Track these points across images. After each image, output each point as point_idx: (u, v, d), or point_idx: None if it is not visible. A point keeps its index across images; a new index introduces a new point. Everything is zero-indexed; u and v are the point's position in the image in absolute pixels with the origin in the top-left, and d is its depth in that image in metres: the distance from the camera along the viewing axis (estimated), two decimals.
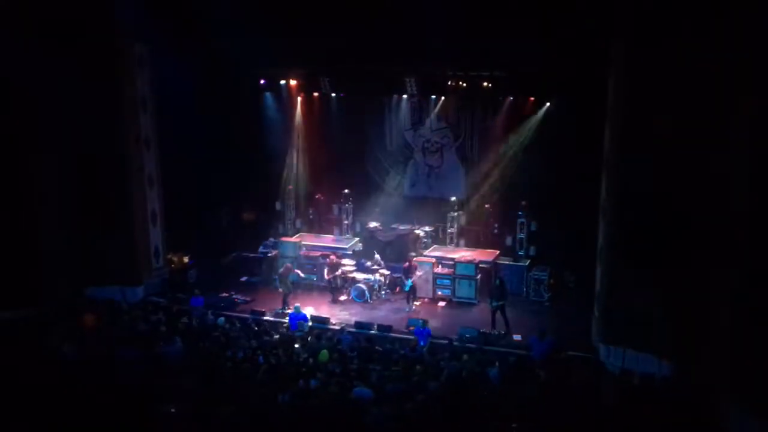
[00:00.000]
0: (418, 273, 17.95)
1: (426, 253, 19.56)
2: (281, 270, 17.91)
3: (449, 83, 19.45)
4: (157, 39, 17.08)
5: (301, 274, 18.51)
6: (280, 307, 17.02)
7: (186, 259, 20.02)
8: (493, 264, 18.71)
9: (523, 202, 19.32)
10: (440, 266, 18.56)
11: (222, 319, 15.43)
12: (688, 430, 10.58)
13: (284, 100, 21.82)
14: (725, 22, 11.45)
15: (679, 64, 12.32)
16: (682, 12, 12.15)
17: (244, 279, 19.76)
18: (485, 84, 19.11)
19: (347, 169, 22.03)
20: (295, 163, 22.05)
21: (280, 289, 17.54)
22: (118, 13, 16.16)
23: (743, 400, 11.09)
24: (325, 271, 18.68)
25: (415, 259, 18.35)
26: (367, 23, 16.15)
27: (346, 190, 21.48)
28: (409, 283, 17.49)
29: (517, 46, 15.74)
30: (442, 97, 20.79)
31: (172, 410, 9.85)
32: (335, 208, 21.75)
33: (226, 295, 17.96)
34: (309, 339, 14.31)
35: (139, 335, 13.93)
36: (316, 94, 21.62)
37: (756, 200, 11.07)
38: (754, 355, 11.02)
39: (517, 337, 15.45)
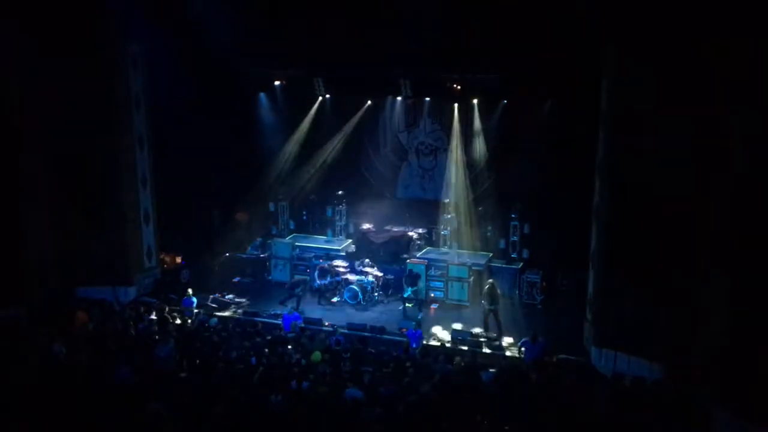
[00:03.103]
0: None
1: (419, 255, 19.58)
2: (293, 281, 18.06)
3: (444, 85, 19.45)
4: (151, 39, 17.00)
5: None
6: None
7: (178, 260, 19.99)
8: (486, 267, 18.73)
9: (517, 205, 19.35)
10: (432, 268, 18.57)
11: (215, 319, 15.40)
12: None
13: (278, 101, 21.78)
14: (718, 27, 11.51)
15: (671, 68, 12.37)
16: (674, 17, 12.21)
17: (236, 280, 19.72)
18: (479, 86, 19.11)
19: (341, 171, 22.03)
20: (289, 164, 22.00)
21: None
22: (112, 13, 16.09)
23: (732, 404, 11.14)
24: (316, 274, 18.70)
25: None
26: (361, 24, 16.15)
27: (339, 192, 21.47)
28: (409, 290, 17.48)
29: (512, 48, 15.78)
30: (437, 99, 20.79)
31: (161, 411, 9.80)
32: (328, 209, 21.73)
33: (219, 295, 17.93)
34: (302, 340, 14.30)
35: (130, 336, 13.89)
36: (310, 95, 21.56)
37: (749, 205, 11.12)
38: (744, 358, 11.08)
39: (509, 339, 15.47)
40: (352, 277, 18.35)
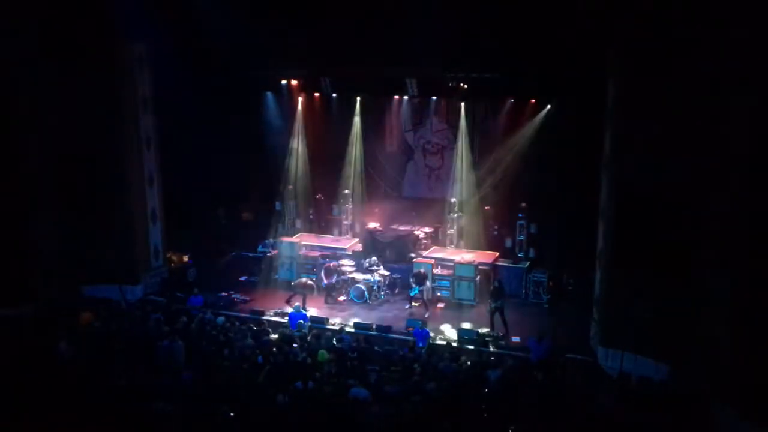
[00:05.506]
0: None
1: (425, 254, 19.57)
2: (299, 281, 18.02)
3: (450, 84, 19.42)
4: (157, 39, 17.02)
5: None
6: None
7: (185, 258, 20.02)
8: (492, 266, 18.70)
9: (523, 204, 19.30)
10: (439, 267, 18.55)
11: (221, 318, 15.43)
12: None
13: (285, 100, 21.78)
14: (720, 27, 11.47)
15: (675, 68, 12.36)
16: (676, 18, 12.16)
17: (243, 278, 19.77)
18: (486, 86, 19.05)
19: (347, 170, 22.02)
20: (295, 163, 22.01)
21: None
22: (117, 13, 16.14)
23: (737, 404, 11.10)
24: (322, 274, 18.70)
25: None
26: (367, 24, 16.14)
27: (346, 191, 21.46)
28: (416, 289, 17.48)
29: (517, 48, 15.74)
30: (443, 99, 20.77)
31: (167, 410, 9.84)
32: (335, 208, 21.74)
33: (225, 294, 17.96)
34: (308, 339, 14.32)
35: (137, 335, 13.94)
36: (316, 94, 21.58)
37: (753, 205, 11.08)
38: (749, 358, 11.04)
39: (515, 339, 15.46)
40: (358, 276, 18.36)
